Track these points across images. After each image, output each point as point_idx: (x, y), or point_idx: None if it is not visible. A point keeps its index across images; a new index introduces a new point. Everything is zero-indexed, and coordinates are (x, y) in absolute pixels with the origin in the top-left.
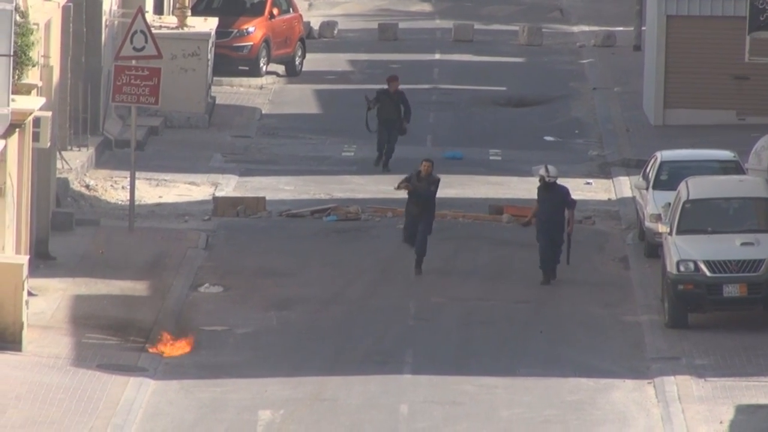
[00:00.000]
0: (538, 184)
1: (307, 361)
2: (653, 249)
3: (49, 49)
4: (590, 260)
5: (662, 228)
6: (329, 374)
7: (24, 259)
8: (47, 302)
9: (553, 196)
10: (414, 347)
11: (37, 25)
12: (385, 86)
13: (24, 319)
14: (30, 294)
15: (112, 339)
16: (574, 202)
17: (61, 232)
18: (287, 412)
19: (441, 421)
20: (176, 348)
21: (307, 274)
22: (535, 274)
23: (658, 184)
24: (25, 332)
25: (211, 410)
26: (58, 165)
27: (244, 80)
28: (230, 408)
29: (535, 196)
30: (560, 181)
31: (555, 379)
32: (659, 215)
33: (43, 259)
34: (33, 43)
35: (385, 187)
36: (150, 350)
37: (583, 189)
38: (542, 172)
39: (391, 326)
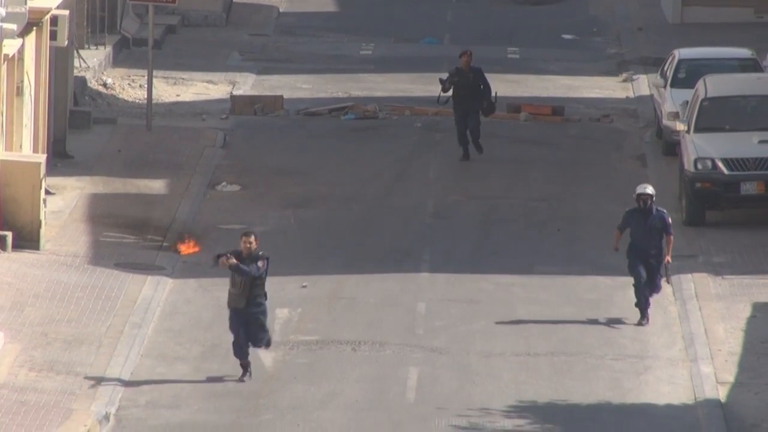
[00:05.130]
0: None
1: (325, 260)
2: (671, 147)
3: None
4: (608, 158)
5: (680, 126)
6: (347, 273)
7: (41, 157)
8: (65, 201)
9: (651, 221)
10: (432, 245)
11: None
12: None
13: (41, 217)
14: (47, 193)
15: (130, 237)
16: (671, 225)
17: (79, 130)
18: (305, 311)
19: (458, 318)
20: (189, 247)
21: (324, 173)
22: (553, 172)
23: (676, 82)
24: (42, 231)
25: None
26: (76, 64)
27: None
28: None
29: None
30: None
31: (572, 278)
32: (677, 113)
33: (61, 157)
34: None
35: (404, 85)
36: (174, 249)
37: (601, 87)
38: (640, 190)
39: (409, 225)
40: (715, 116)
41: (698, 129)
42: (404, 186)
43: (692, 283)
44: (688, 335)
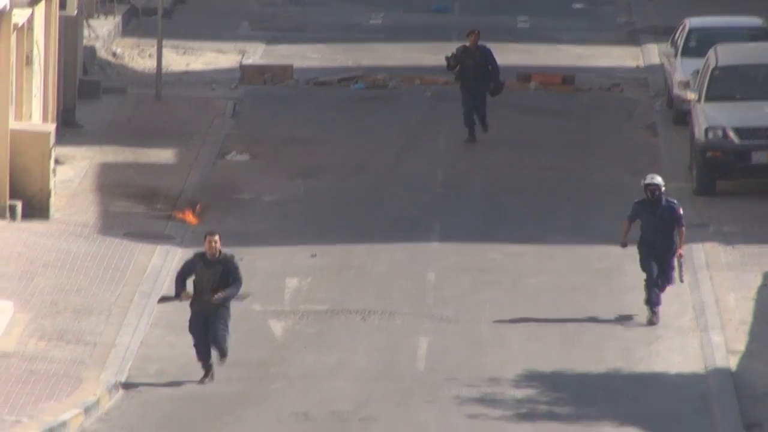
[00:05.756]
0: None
1: (335, 229)
2: (681, 116)
3: None
4: (618, 128)
5: (690, 95)
6: (356, 242)
7: (51, 127)
8: (74, 170)
9: (660, 212)
10: (441, 215)
11: None
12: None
13: (51, 187)
14: (57, 162)
15: (139, 207)
16: (682, 217)
17: (88, 100)
18: (314, 280)
19: (468, 288)
20: (188, 215)
21: (334, 142)
22: (563, 141)
23: (687, 51)
24: (52, 200)
25: None
26: (85, 33)
27: None
28: (257, 275)
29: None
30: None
31: (583, 247)
32: (688, 82)
33: (70, 127)
34: None
35: (413, 54)
36: (175, 217)
37: (611, 56)
38: (648, 180)
39: (419, 194)
40: (725, 85)
41: (709, 98)
42: (414, 156)
43: (703, 252)
44: (699, 304)
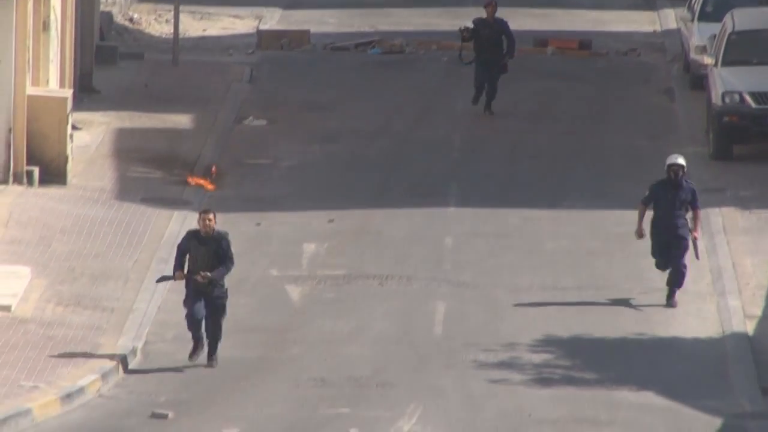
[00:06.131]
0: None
1: (352, 194)
2: (698, 81)
3: None
4: (635, 92)
5: (707, 60)
6: (374, 207)
7: (68, 92)
8: (91, 136)
9: (680, 194)
10: (459, 180)
11: None
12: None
13: (68, 152)
14: (74, 128)
15: (156, 172)
16: (699, 200)
17: (105, 65)
18: (332, 245)
19: (485, 253)
20: (211, 182)
21: (351, 108)
22: (580, 106)
23: (704, 16)
24: (69, 166)
25: (255, 243)
26: None
27: None
28: (275, 241)
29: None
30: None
31: (600, 212)
32: (704, 47)
33: (88, 92)
34: None
35: (430, 20)
36: (191, 183)
37: (628, 21)
38: (671, 160)
39: (436, 159)
40: (742, 50)
41: (726, 63)
42: (431, 121)
43: (720, 217)
44: (716, 269)
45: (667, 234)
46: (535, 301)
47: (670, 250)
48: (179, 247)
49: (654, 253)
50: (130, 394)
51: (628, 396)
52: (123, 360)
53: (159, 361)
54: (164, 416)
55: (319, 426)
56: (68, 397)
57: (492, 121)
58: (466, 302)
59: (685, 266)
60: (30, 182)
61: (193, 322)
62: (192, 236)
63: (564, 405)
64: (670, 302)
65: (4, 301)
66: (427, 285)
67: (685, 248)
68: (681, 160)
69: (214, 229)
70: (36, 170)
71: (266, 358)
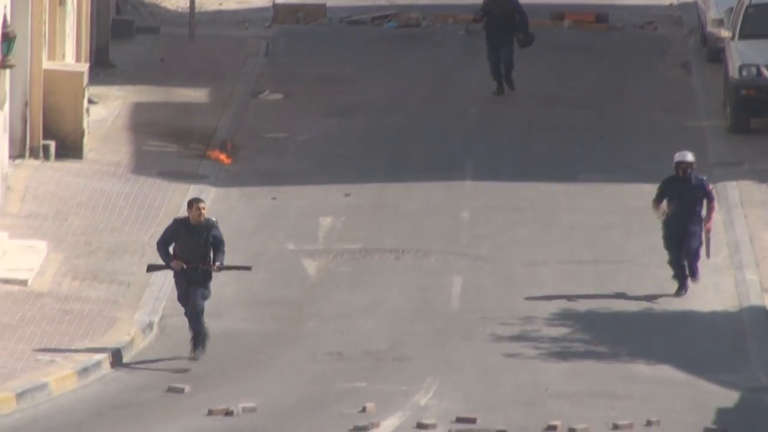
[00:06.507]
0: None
1: (369, 168)
2: (715, 54)
3: None
4: (652, 65)
5: (724, 33)
6: (390, 181)
7: (84, 66)
8: (107, 110)
9: (689, 190)
10: (475, 154)
11: None
12: None
13: (84, 126)
14: (90, 102)
15: (172, 146)
16: (712, 192)
17: (121, 39)
18: (348, 219)
19: (502, 226)
20: (228, 156)
21: (367, 81)
22: (596, 80)
23: None
24: (85, 140)
25: (272, 217)
26: None
27: None
28: (291, 215)
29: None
30: None
31: (616, 185)
32: (721, 20)
33: (104, 66)
34: None
35: None
36: (209, 156)
37: None
38: (679, 158)
39: (453, 133)
40: (760, 23)
41: (743, 36)
42: (447, 94)
43: (737, 190)
44: (734, 243)
45: (679, 229)
46: (551, 274)
47: (682, 245)
48: (165, 236)
49: (667, 247)
50: (144, 369)
51: (644, 370)
52: (139, 334)
53: (175, 334)
54: (181, 390)
55: (335, 400)
56: (85, 371)
57: (508, 94)
58: (482, 276)
59: (698, 257)
60: (46, 156)
61: (192, 319)
62: (181, 224)
63: (581, 378)
64: (680, 292)
65: (21, 275)
66: (443, 259)
67: (699, 243)
68: (689, 158)
69: (206, 220)
70: (52, 144)
71: (282, 332)
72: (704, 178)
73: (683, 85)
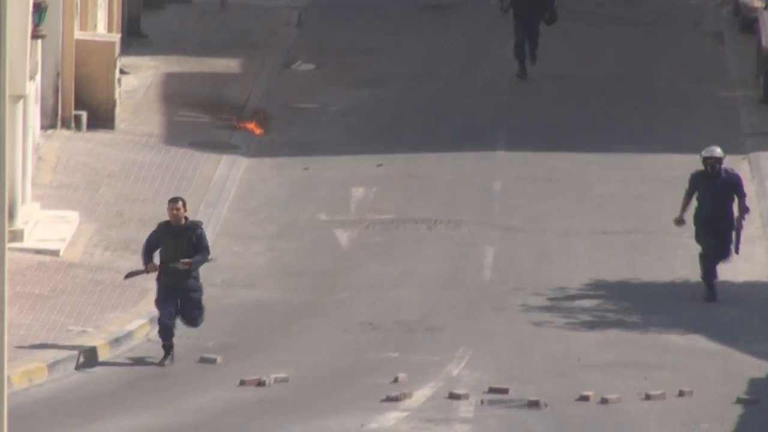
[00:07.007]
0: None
1: (400, 139)
2: (748, 24)
3: None
4: (685, 36)
5: (757, 2)
6: (422, 151)
7: (116, 37)
8: (139, 80)
9: (720, 185)
10: (507, 124)
11: None
12: None
13: (116, 97)
14: (122, 72)
15: (204, 117)
16: (743, 187)
17: (154, 10)
18: (380, 189)
19: (535, 197)
20: (253, 125)
21: (399, 51)
22: (629, 50)
23: None
24: (117, 110)
25: (303, 187)
26: None
27: None
28: (323, 185)
29: None
30: None
31: (649, 156)
32: None
33: (136, 36)
34: None
35: None
36: (241, 127)
37: None
38: (707, 153)
39: (485, 103)
40: None
41: None
42: (479, 64)
43: None
44: (766, 213)
45: (710, 224)
46: (584, 245)
47: (714, 238)
48: (149, 240)
49: (698, 239)
50: (178, 339)
51: (676, 340)
52: None
53: (208, 305)
54: (213, 361)
55: (367, 371)
56: (116, 341)
57: (540, 64)
58: (514, 246)
59: (729, 255)
60: (78, 127)
61: (163, 329)
62: (163, 228)
63: (613, 349)
64: (709, 299)
65: (53, 246)
66: (476, 229)
67: (728, 250)
68: (717, 152)
69: (185, 218)
70: (84, 115)
71: (314, 302)
72: (736, 173)
73: (716, 56)
